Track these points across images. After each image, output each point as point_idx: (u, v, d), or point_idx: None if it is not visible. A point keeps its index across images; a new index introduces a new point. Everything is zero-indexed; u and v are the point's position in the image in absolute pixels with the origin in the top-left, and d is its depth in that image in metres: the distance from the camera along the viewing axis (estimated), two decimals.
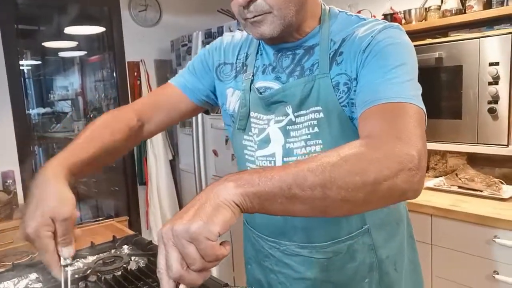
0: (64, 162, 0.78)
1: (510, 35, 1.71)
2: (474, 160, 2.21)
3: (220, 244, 0.52)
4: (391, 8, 2.31)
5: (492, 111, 1.79)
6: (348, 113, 0.82)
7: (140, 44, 3.38)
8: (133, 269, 0.99)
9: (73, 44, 4.27)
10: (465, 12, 2.02)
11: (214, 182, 0.56)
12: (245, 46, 0.99)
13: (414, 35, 2.12)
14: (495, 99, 1.78)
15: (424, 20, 2.18)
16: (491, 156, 2.03)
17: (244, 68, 0.97)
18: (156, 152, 3.38)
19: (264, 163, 0.91)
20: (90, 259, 1.06)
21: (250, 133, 0.94)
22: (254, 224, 0.99)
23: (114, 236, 1.18)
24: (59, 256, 0.71)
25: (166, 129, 2.79)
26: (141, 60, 3.38)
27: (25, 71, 5.05)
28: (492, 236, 1.66)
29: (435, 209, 1.83)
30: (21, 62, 3.53)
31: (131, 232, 1.43)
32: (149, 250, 1.09)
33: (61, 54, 4.89)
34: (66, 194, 0.73)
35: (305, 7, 0.84)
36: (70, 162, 0.79)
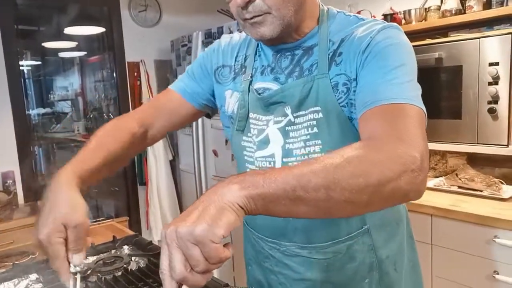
0: (75, 170, 0.79)
1: (510, 35, 1.71)
2: (474, 160, 2.21)
3: (223, 246, 0.52)
4: (391, 8, 2.31)
5: (492, 111, 1.79)
6: (347, 113, 0.83)
7: (140, 44, 3.38)
8: (133, 269, 0.99)
9: (73, 44, 4.26)
10: (465, 12, 2.02)
11: (217, 184, 0.56)
12: (243, 48, 0.99)
13: (414, 35, 2.12)
14: (495, 99, 1.78)
15: (424, 20, 2.18)
16: (491, 156, 2.03)
17: (243, 70, 0.97)
18: (156, 152, 3.38)
19: (264, 164, 0.91)
20: (90, 259, 1.06)
21: (249, 134, 0.94)
22: (254, 225, 0.99)
23: (114, 237, 1.18)
24: (69, 263, 0.71)
25: None
26: (141, 60, 3.38)
27: (25, 71, 5.04)
28: (492, 236, 1.66)
29: (435, 209, 1.83)
30: (21, 63, 3.52)
31: (131, 233, 1.43)
32: (149, 251, 1.09)
33: (61, 54, 4.89)
34: (78, 201, 0.73)
35: (303, 7, 0.84)
36: (81, 170, 0.80)
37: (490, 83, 1.78)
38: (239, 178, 0.55)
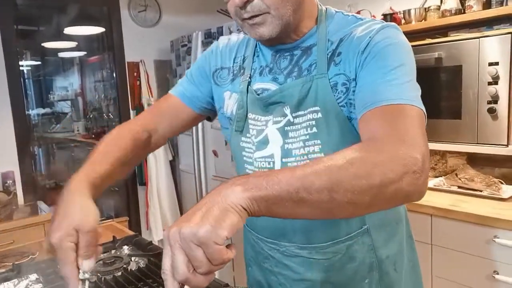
0: (86, 177, 0.80)
1: (510, 35, 1.71)
2: (474, 160, 2.21)
3: (226, 247, 0.52)
4: (390, 8, 2.31)
5: (491, 111, 1.79)
6: (347, 113, 0.83)
7: (140, 45, 3.38)
8: (133, 269, 0.99)
9: (72, 44, 4.27)
10: (464, 12, 2.02)
11: (221, 185, 0.56)
12: (241, 49, 0.99)
13: (413, 35, 2.12)
14: (494, 99, 1.78)
15: (423, 20, 2.18)
16: (491, 156, 2.03)
17: (242, 71, 0.97)
18: (156, 152, 3.37)
19: (263, 164, 0.91)
20: None
21: (248, 135, 0.94)
22: (254, 226, 0.99)
23: (114, 237, 1.18)
24: (78, 269, 0.70)
25: None
26: (141, 61, 3.38)
27: (25, 71, 5.05)
28: (492, 236, 1.66)
29: (435, 209, 1.83)
30: (20, 63, 3.52)
31: (131, 233, 1.43)
32: (149, 251, 1.09)
33: (61, 54, 4.89)
34: (91, 207, 0.74)
35: (302, 6, 0.84)
36: (92, 177, 0.80)
37: (489, 83, 1.78)
38: (242, 180, 0.55)
